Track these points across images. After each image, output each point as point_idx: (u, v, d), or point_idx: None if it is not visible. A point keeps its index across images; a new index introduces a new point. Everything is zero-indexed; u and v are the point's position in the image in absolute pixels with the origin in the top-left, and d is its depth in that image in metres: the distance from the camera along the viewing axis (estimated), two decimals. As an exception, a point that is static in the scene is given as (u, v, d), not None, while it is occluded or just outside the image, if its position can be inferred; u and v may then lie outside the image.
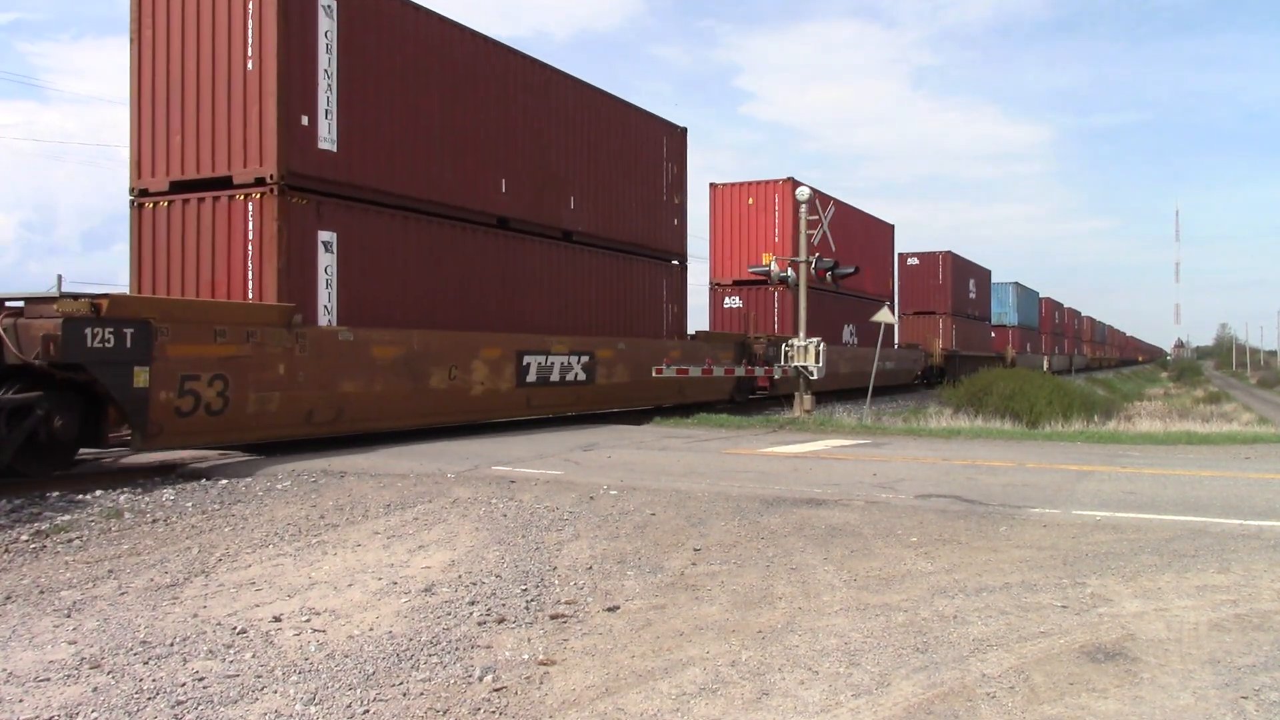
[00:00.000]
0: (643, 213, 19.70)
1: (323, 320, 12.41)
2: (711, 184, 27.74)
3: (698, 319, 32.56)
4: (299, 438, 11.98)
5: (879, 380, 29.43)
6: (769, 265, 20.51)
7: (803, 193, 20.47)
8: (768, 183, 27.03)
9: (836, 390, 27.68)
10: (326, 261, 12.56)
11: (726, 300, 27.50)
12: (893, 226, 35.71)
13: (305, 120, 12.25)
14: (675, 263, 21.00)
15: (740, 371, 21.36)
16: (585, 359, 17.12)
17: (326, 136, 12.57)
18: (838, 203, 29.82)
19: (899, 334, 39.39)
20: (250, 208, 11.99)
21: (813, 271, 21.17)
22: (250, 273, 11.98)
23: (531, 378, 15.73)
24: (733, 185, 27.61)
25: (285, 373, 11.41)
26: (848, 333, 30.62)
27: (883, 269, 34.52)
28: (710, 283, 27.98)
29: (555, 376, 16.32)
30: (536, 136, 16.52)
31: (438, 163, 14.38)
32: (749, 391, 23.98)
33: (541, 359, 15.99)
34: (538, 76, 16.62)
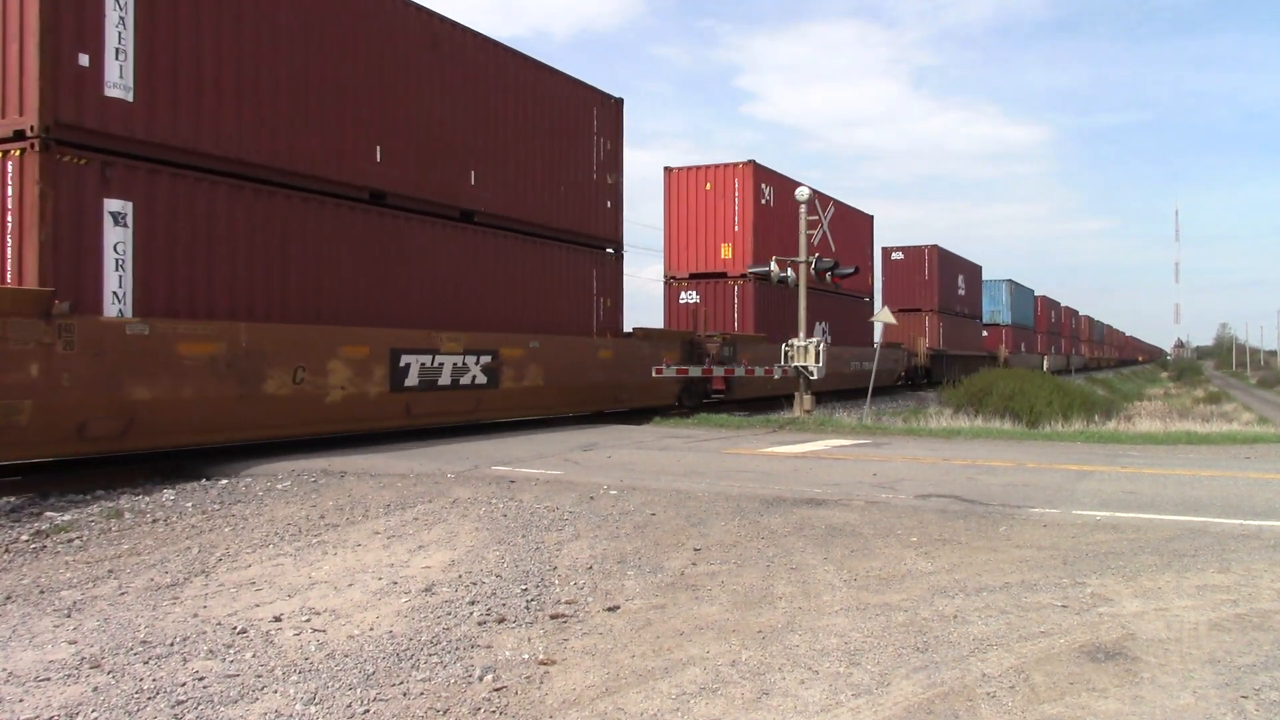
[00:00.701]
0: (568, 193, 17.26)
1: (111, 309, 9.98)
2: (666, 168, 25.75)
3: (654, 316, 30.36)
4: (69, 456, 9.82)
5: (855, 382, 28.74)
6: (769, 266, 20.45)
7: (802, 193, 20.48)
8: (727, 166, 25.00)
9: (825, 391, 25.40)
10: (117, 238, 10.09)
11: (683, 295, 25.32)
12: (872, 217, 33.73)
13: (85, 60, 9.82)
14: (609, 251, 18.62)
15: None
16: (487, 359, 14.74)
17: (118, 82, 10.09)
18: (815, 193, 27.82)
19: (881, 332, 37.98)
20: (9, 168, 9.63)
21: (813, 272, 21.18)
22: (9, 250, 9.63)
23: (412, 381, 13.35)
24: (689, 169, 25.46)
25: (40, 375, 9.01)
26: (819, 331, 28.84)
27: (862, 263, 32.46)
28: (665, 276, 25.77)
29: (445, 379, 13.94)
30: (425, 98, 14.09)
31: (285, 122, 11.92)
32: (701, 396, 21.81)
33: (427, 359, 13.59)
34: (426, 27, 14.16)
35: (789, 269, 20.50)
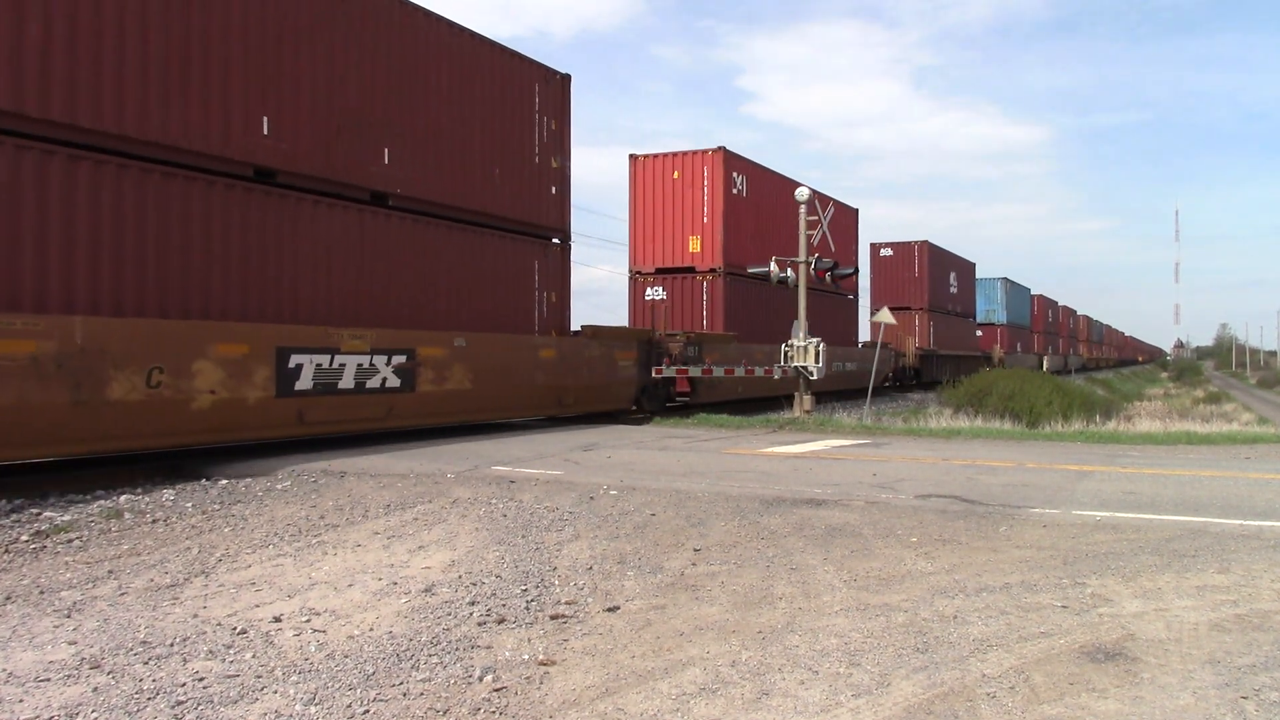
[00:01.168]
0: (504, 177, 15.61)
1: None
2: (631, 155, 24.01)
3: (618, 314, 28.38)
4: None
5: (838, 384, 28.19)
6: (769, 267, 20.41)
7: (802, 193, 20.48)
8: (695, 153, 23.45)
9: (779, 396, 22.66)
10: None
11: (648, 291, 23.62)
12: (856, 211, 32.06)
13: None
14: (555, 241, 16.91)
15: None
16: (401, 359, 13.09)
17: None
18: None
19: (871, 332, 36.46)
20: None
21: (812, 272, 21.18)
22: None
23: (305, 384, 11.65)
24: (655, 156, 23.84)
25: None
26: (798, 330, 27.73)
27: (846, 259, 30.15)
28: (630, 271, 24.05)
29: (348, 382, 12.26)
30: (326, 64, 12.38)
31: (139, 84, 10.17)
32: (664, 399, 20.17)
33: (324, 359, 11.92)
34: None
35: (789, 269, 20.50)
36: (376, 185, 13.29)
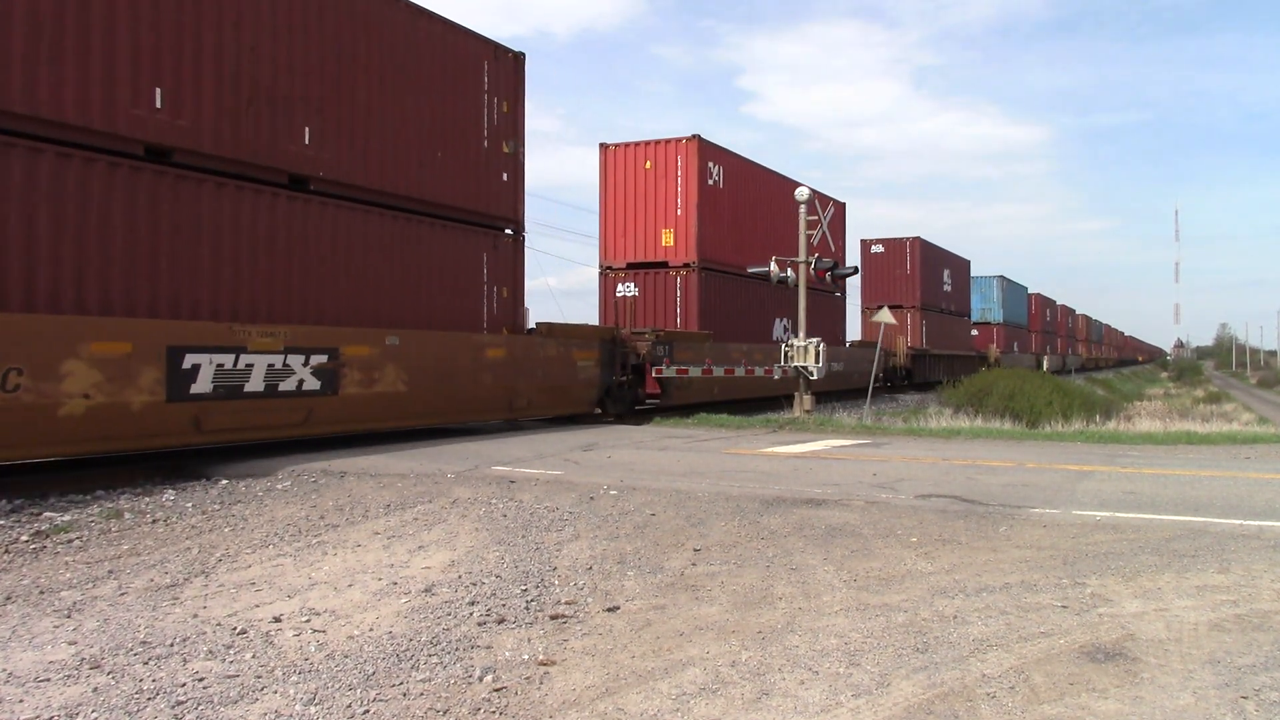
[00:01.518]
0: (448, 161, 14.43)
1: None
2: (603, 145, 23.14)
3: (589, 311, 27.29)
4: None
5: (826, 385, 28.03)
6: (770, 266, 20.38)
7: (802, 193, 20.49)
8: (668, 141, 22.44)
9: (767, 398, 22.25)
10: None
11: (620, 287, 22.65)
12: (844, 205, 31.14)
13: None
14: (507, 232, 15.77)
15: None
16: (321, 359, 11.81)
17: None
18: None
19: (863, 330, 35.61)
20: None
21: (812, 272, 21.19)
22: None
23: (203, 387, 10.40)
24: (627, 145, 22.78)
25: None
26: (780, 328, 26.12)
27: (837, 255, 29.69)
28: (600, 266, 23.14)
29: (256, 385, 11.01)
30: (234, 30, 11.18)
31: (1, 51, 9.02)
32: (631, 402, 18.91)
33: (226, 359, 10.66)
34: None
35: (788, 269, 20.48)
36: (295, 167, 12.04)
